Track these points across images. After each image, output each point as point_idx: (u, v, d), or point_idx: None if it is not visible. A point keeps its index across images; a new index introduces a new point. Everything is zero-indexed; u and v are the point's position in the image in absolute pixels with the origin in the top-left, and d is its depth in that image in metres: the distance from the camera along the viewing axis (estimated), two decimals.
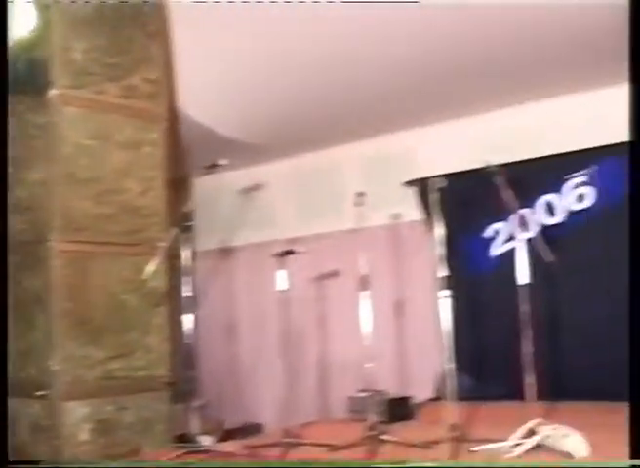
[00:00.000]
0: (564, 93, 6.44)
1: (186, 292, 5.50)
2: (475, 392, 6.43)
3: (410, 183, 6.80)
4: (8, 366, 4.70)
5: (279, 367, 6.48)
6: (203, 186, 8.49)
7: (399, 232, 7.14)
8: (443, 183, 5.27)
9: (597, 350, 6.01)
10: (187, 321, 5.49)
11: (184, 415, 5.61)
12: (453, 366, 5.40)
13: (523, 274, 5.04)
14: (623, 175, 5.93)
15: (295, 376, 7.17)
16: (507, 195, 5.08)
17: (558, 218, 6.35)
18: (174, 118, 6.17)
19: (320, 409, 7.35)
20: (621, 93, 6.13)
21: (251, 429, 6.99)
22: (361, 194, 5.62)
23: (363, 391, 6.07)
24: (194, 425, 5.39)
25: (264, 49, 5.72)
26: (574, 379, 6.07)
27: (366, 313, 5.75)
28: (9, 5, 4.76)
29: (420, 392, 6.77)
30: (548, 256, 5.10)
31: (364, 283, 5.65)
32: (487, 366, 6.50)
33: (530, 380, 4.99)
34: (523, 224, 5.27)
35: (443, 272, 5.35)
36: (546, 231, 6.24)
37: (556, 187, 6.33)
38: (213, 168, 5.47)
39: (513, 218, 5.26)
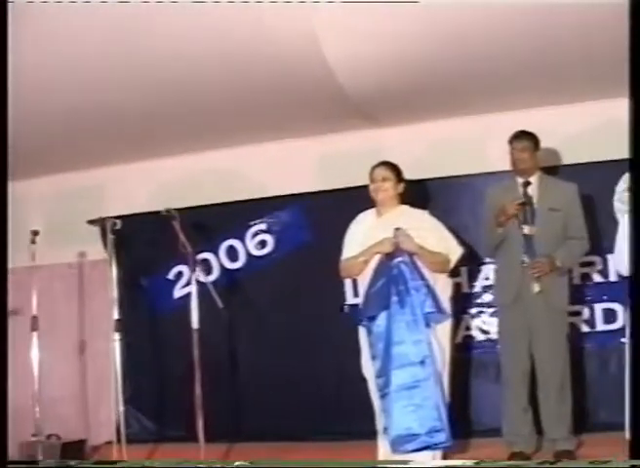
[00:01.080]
0: (253, 141, 6.59)
1: None
2: (153, 434, 6.44)
3: (92, 222, 6.69)
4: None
5: None
6: None
7: (83, 271, 7.01)
8: (118, 225, 5.30)
9: (271, 392, 6.17)
10: None
11: None
12: (126, 408, 5.40)
13: (195, 318, 5.15)
14: (302, 224, 6.30)
15: None
16: (184, 239, 5.17)
17: (240, 263, 6.48)
18: None
19: None
20: (311, 144, 6.51)
21: None
22: (36, 232, 5.52)
23: (35, 435, 5.85)
24: None
25: None
26: (249, 421, 6.19)
27: (38, 355, 5.61)
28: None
29: (99, 435, 6.63)
30: (220, 302, 5.23)
31: (35, 323, 5.50)
32: (165, 408, 6.49)
33: (201, 423, 5.07)
34: (199, 268, 5.39)
35: (117, 314, 5.35)
36: (228, 275, 6.40)
37: (239, 233, 6.46)
38: None
39: (191, 263, 5.33)
